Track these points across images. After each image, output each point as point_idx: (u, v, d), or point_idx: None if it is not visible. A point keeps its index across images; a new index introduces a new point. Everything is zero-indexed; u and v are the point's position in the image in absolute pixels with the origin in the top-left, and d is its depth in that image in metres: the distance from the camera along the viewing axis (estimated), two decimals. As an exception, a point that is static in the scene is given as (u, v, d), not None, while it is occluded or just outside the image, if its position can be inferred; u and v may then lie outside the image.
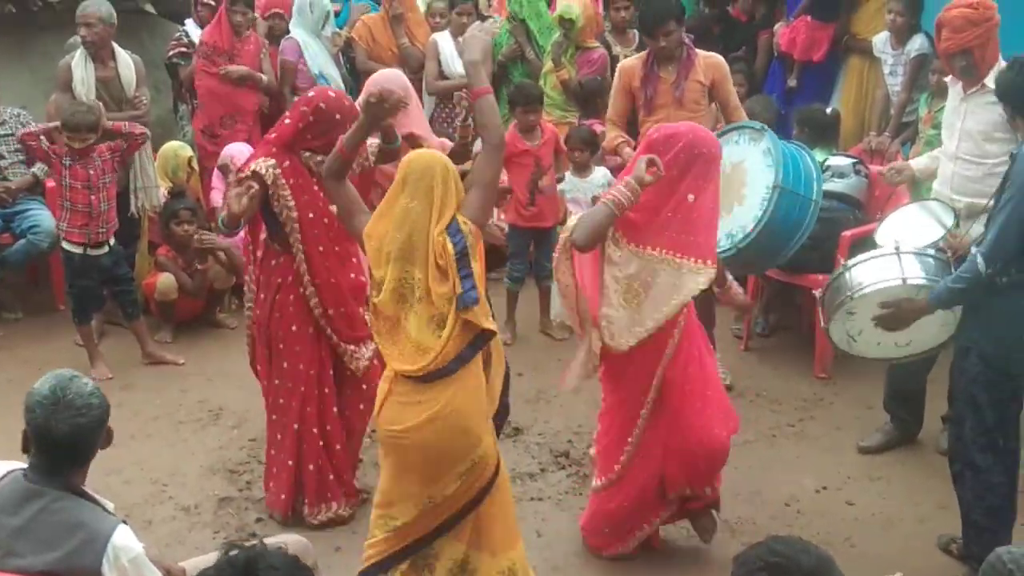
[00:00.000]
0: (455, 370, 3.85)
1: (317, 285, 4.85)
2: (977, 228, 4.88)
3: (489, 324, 3.89)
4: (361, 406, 5.04)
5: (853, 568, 4.43)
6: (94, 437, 3.14)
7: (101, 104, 6.61)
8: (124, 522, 3.16)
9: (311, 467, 4.97)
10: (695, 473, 4.55)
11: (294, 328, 4.90)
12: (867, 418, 5.92)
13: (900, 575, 4.56)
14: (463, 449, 3.91)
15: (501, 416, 4.34)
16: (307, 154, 4.83)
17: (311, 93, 5.01)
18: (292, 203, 4.75)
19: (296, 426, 4.95)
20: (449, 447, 3.89)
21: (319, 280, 4.86)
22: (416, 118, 5.55)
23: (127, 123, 6.58)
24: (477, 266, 3.85)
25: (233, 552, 2.22)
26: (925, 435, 5.70)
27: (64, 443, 3.09)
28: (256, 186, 4.69)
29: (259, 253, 4.97)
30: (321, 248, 4.85)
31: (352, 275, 4.97)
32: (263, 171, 4.73)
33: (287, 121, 4.85)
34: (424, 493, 3.95)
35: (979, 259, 4.14)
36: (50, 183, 6.89)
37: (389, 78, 5.44)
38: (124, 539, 3.05)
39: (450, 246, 3.78)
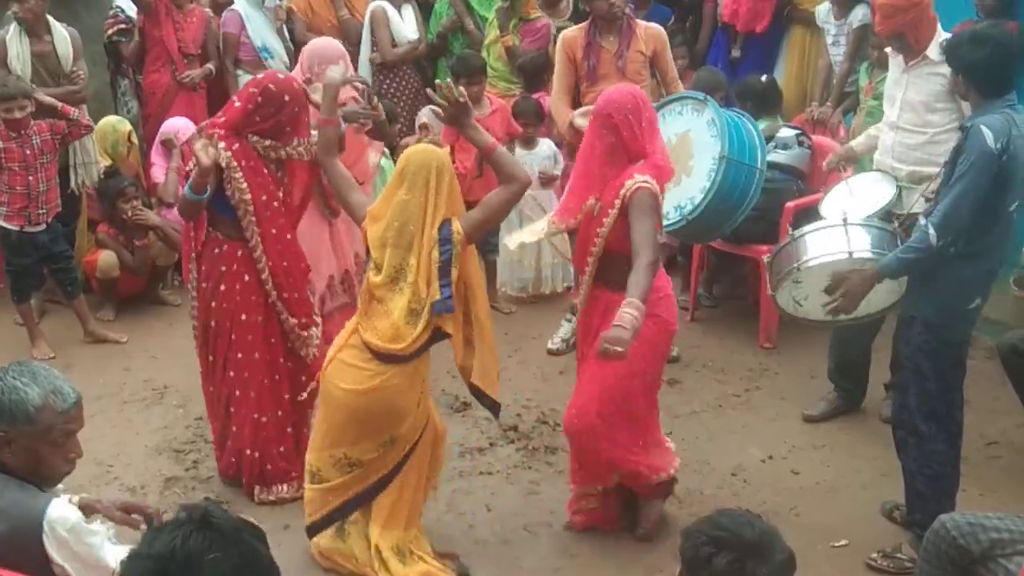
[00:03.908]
0: (411, 360, 4.16)
1: (271, 268, 4.82)
2: (917, 196, 4.95)
3: (451, 328, 4.15)
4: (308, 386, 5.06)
5: (799, 536, 4.54)
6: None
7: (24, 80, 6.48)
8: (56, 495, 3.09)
9: (257, 454, 4.97)
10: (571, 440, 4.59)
11: (243, 317, 4.86)
12: (812, 387, 5.99)
13: (846, 543, 4.68)
14: (387, 424, 4.24)
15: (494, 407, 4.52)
16: (255, 138, 4.78)
17: (260, 75, 4.99)
18: (245, 186, 4.70)
19: (256, 416, 4.92)
20: (375, 417, 4.21)
21: (273, 264, 4.82)
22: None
23: (76, 110, 6.48)
24: (456, 272, 4.09)
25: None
26: (868, 403, 5.76)
27: None
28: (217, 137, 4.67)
29: (199, 244, 4.88)
30: (274, 231, 4.82)
31: (301, 262, 4.98)
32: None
33: (236, 104, 4.80)
34: (341, 451, 4.29)
35: (931, 230, 4.15)
36: (-15, 160, 6.75)
37: (326, 46, 5.52)
38: (58, 511, 2.98)
39: (436, 253, 4.04)
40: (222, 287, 4.84)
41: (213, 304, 4.86)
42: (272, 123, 4.74)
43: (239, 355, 4.90)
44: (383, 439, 4.26)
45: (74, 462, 3.12)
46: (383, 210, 4.12)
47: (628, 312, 3.83)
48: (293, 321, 4.90)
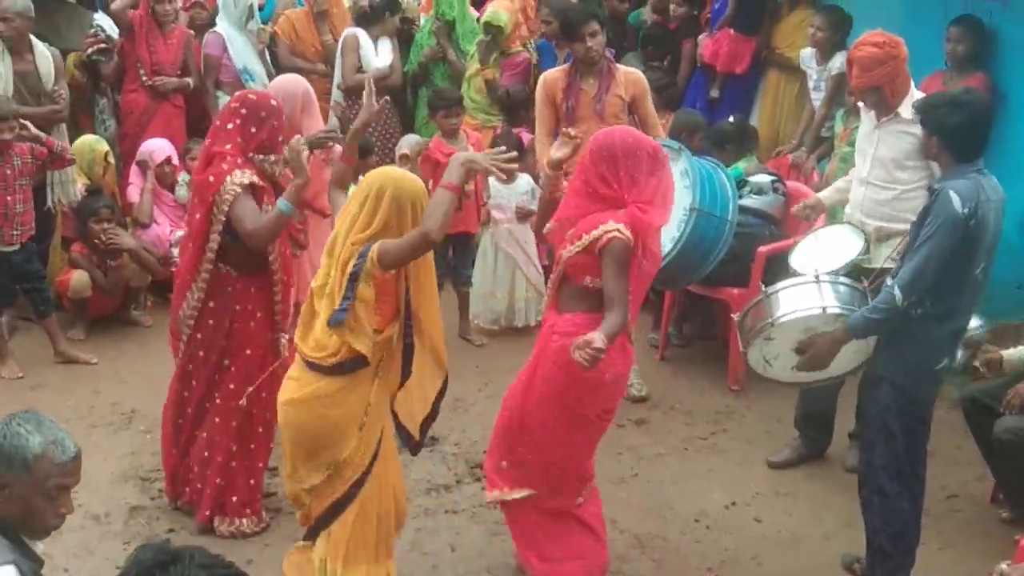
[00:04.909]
0: (331, 375, 4.10)
1: (283, 292, 4.92)
2: (885, 251, 5.01)
3: (361, 347, 4.05)
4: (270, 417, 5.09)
5: (759, 591, 4.57)
6: None
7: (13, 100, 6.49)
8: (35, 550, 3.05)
9: (223, 483, 4.97)
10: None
11: (248, 352, 4.89)
12: (778, 432, 6.03)
13: (804, 595, 4.71)
14: (325, 443, 4.16)
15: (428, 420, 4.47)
16: (259, 158, 4.78)
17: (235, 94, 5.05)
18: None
19: (233, 447, 4.94)
20: (310, 432, 4.16)
21: (285, 287, 4.93)
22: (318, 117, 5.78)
23: (60, 144, 6.53)
24: (368, 291, 4.00)
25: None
26: (833, 451, 5.81)
27: None
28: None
29: (205, 275, 4.80)
30: (286, 251, 4.97)
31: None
32: (248, 182, 4.67)
33: (228, 126, 4.75)
34: (298, 474, 4.25)
35: (896, 290, 4.21)
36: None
37: (291, 82, 5.72)
38: None
39: (350, 267, 3.99)
40: (236, 325, 4.87)
41: (225, 343, 4.88)
42: (267, 132, 4.75)
43: (231, 386, 4.90)
44: (324, 461, 4.18)
45: (64, 518, 3.04)
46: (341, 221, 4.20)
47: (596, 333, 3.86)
48: (283, 336, 4.95)
